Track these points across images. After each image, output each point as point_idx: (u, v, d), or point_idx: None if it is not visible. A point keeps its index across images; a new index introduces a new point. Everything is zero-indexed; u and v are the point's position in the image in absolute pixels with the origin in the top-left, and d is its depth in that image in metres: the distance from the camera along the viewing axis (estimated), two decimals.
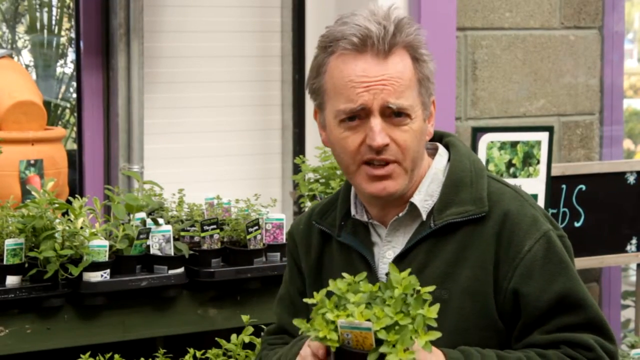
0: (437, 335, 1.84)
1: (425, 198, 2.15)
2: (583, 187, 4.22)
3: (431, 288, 1.87)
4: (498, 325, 2.09)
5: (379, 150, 2.07)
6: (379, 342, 1.83)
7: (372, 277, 2.15)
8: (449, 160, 2.21)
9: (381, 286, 1.90)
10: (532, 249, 2.08)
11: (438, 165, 2.20)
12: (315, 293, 1.90)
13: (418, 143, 2.11)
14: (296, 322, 1.91)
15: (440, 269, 2.11)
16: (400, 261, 2.13)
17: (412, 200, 2.15)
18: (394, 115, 2.07)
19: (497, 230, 2.10)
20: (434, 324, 1.84)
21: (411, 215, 2.16)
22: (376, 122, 2.06)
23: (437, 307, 1.85)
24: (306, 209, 3.68)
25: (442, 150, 2.23)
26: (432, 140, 2.24)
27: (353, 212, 2.21)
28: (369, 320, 1.83)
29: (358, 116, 2.08)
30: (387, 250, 2.17)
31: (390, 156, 2.08)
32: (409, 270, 2.11)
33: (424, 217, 2.15)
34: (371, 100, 2.06)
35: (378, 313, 1.85)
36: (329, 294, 1.90)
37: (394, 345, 1.81)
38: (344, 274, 1.93)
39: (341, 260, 2.22)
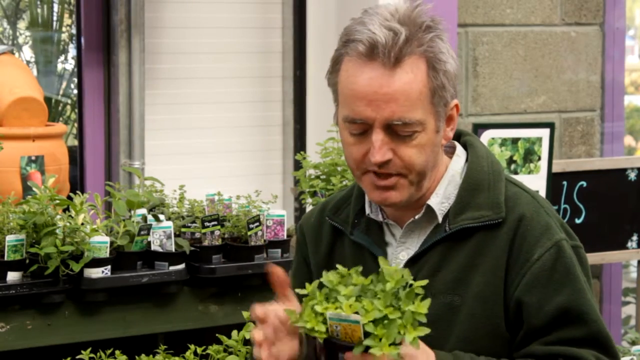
0: (425, 331, 1.80)
1: (442, 201, 2.10)
2: (584, 183, 4.21)
3: (424, 282, 1.83)
4: (505, 333, 2.04)
5: (381, 165, 2.02)
6: (368, 334, 1.80)
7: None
8: (466, 160, 2.15)
9: (373, 279, 1.86)
10: (542, 258, 2.03)
11: (455, 166, 2.14)
12: (307, 284, 1.86)
13: (427, 156, 2.04)
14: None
15: (453, 273, 2.06)
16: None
17: (429, 202, 2.10)
18: (399, 130, 2.00)
19: (510, 236, 2.05)
20: (424, 320, 1.81)
21: (427, 218, 2.11)
22: (377, 138, 2.00)
23: (428, 302, 1.81)
24: (307, 205, 3.69)
25: (459, 150, 2.17)
26: None
27: (367, 211, 2.16)
28: (357, 313, 1.81)
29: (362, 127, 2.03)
30: (400, 252, 2.13)
31: (393, 170, 2.02)
32: (400, 263, 2.09)
33: (440, 220, 2.10)
34: (373, 116, 1.99)
35: (367, 306, 1.81)
36: (321, 286, 1.87)
37: (380, 339, 1.79)
38: (338, 266, 1.88)
39: (353, 258, 2.17)
